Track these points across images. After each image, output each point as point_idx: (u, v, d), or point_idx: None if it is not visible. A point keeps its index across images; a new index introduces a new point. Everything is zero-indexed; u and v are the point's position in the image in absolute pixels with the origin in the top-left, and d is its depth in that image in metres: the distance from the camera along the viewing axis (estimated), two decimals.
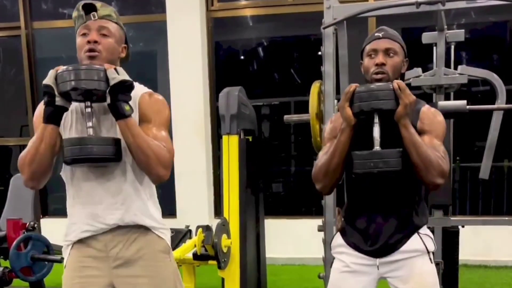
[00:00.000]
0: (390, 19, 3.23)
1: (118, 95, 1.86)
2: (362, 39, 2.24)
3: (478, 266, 5.43)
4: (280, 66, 6.69)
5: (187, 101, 6.06)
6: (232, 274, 3.46)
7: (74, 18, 2.00)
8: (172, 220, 5.54)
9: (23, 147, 7.13)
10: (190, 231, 4.33)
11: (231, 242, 3.41)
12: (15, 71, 7.10)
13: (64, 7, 6.82)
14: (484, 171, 3.63)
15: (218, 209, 6.07)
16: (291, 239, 5.73)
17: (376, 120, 2.03)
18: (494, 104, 3.53)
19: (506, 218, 5.68)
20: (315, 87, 3.38)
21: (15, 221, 4.10)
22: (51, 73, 1.86)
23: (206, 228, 3.34)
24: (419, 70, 3.60)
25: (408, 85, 3.56)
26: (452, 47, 3.69)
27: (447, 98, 3.70)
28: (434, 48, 3.62)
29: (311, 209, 6.28)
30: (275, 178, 6.85)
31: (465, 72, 3.50)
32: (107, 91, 1.85)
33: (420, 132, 2.07)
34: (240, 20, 6.61)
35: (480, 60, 6.03)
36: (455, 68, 3.58)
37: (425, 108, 2.16)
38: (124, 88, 1.87)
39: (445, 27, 3.55)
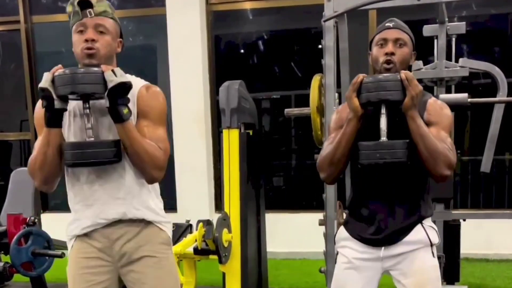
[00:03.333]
0: (391, 11, 3.21)
1: (116, 98, 1.86)
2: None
3: (480, 260, 5.43)
4: (281, 60, 6.66)
5: (187, 95, 6.04)
6: (233, 269, 3.46)
7: (69, 13, 1.96)
8: (172, 214, 5.52)
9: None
10: (190, 225, 4.32)
11: (232, 237, 3.40)
12: (15, 65, 7.07)
13: (63, 1, 6.79)
14: (486, 164, 3.63)
15: (218, 204, 6.06)
16: (292, 233, 5.72)
17: (383, 111, 2.02)
18: (495, 97, 3.52)
19: (508, 212, 5.68)
20: (315, 80, 3.37)
21: (16, 216, 4.09)
22: (47, 76, 1.87)
23: (207, 223, 3.33)
24: (420, 63, 3.60)
25: None
26: (453, 39, 3.68)
27: (448, 91, 3.69)
28: (435, 40, 3.61)
29: (312, 203, 6.27)
30: (275, 172, 6.83)
31: (466, 65, 3.49)
32: (105, 94, 1.85)
33: (427, 124, 2.07)
34: (240, 14, 6.57)
35: (481, 53, 6.00)
36: (456, 61, 3.57)
37: (432, 100, 2.16)
38: (122, 90, 1.87)
39: (446, 19, 3.53)
